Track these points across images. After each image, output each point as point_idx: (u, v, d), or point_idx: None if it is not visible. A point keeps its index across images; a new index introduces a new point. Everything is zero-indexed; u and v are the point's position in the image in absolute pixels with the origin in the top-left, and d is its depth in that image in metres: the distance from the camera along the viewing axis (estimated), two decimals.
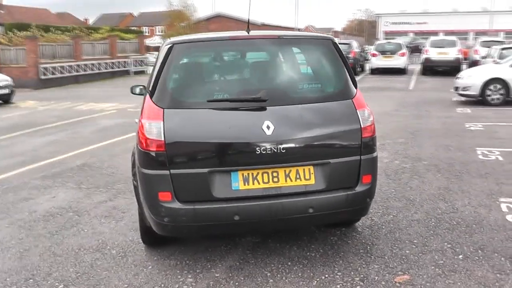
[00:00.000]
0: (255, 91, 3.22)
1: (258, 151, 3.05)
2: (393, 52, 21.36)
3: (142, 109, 3.30)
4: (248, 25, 3.56)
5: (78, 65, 21.39)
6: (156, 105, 3.18)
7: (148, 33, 39.22)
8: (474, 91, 11.26)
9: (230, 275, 3.29)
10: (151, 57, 25.27)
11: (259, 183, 3.11)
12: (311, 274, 3.29)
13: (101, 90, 18.57)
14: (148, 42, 31.73)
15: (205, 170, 3.07)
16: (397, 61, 21.26)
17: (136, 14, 71.31)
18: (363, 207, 3.39)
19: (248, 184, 3.10)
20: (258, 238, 3.85)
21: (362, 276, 3.25)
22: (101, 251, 3.75)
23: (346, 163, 3.25)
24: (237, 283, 3.18)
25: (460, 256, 3.52)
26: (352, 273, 3.30)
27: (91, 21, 58.42)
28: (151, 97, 3.24)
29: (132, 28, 37.72)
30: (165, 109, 3.14)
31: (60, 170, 6.39)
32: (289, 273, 3.30)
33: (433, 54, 19.76)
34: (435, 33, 46.75)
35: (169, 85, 3.27)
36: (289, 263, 3.44)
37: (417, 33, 51.29)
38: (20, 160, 7.12)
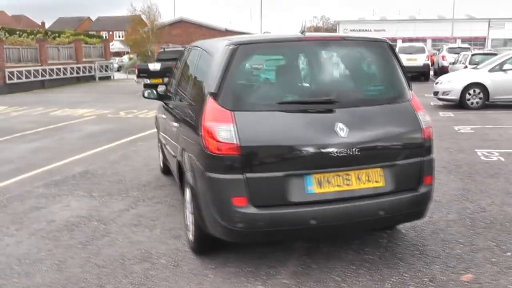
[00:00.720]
0: (324, 92, 3.16)
1: (332, 154, 2.99)
2: None
3: (203, 112, 3.15)
4: (304, 27, 3.48)
5: (44, 70, 20.56)
6: (224, 108, 3.04)
7: (107, 38, 38.22)
8: (454, 96, 11.63)
9: (299, 280, 3.19)
10: (115, 62, 24.69)
11: (333, 186, 3.04)
12: (380, 276, 3.24)
13: (71, 96, 17.97)
14: None
15: (281, 173, 2.97)
16: None
17: (94, 18, 69.58)
18: (424, 209, 3.39)
19: (322, 188, 3.03)
20: (310, 243, 3.76)
21: (429, 276, 3.24)
22: (148, 261, 3.56)
23: (411, 165, 3.24)
24: None
25: (509, 254, 3.57)
26: (419, 274, 3.28)
27: (48, 25, 56.51)
28: (215, 99, 3.10)
29: (91, 33, 36.61)
30: (234, 112, 3.01)
31: (62, 178, 6.07)
32: (358, 277, 3.24)
33: (403, 60, 20.25)
34: (393, 40, 48.27)
35: (236, 87, 3.15)
36: (353, 267, 3.38)
37: None
38: (12, 167, 6.73)
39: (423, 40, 50.00)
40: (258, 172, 2.95)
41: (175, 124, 4.10)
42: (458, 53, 19.71)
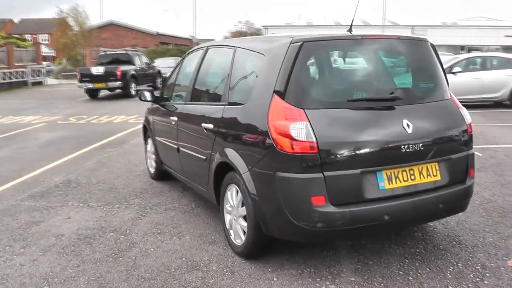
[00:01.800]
0: (389, 90, 3.20)
1: (402, 149, 3.04)
2: None
3: (269, 110, 3.06)
4: (351, 26, 3.49)
5: None
6: (293, 106, 2.98)
7: (31, 41, 36.02)
8: None
9: (365, 277, 3.20)
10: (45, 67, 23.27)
11: (400, 182, 3.09)
12: (437, 267, 3.33)
13: (9, 103, 16.82)
14: None
15: (358, 171, 2.96)
16: None
17: (16, 20, 65.10)
18: (468, 201, 3.52)
19: (392, 183, 3.06)
20: (351, 241, 3.78)
21: (480, 264, 3.37)
22: (198, 269, 3.39)
23: (461, 158, 3.37)
24: (382, 285, 3.10)
25: None
26: (469, 262, 3.40)
27: None
28: (282, 97, 3.03)
29: (14, 35, 34.27)
30: (305, 110, 2.96)
31: (45, 189, 5.64)
32: (418, 269, 3.30)
33: None
34: None
35: (303, 84, 3.09)
36: (407, 260, 3.45)
37: None
38: None
39: None
40: (336, 170, 2.92)
41: (197, 127, 3.96)
42: None
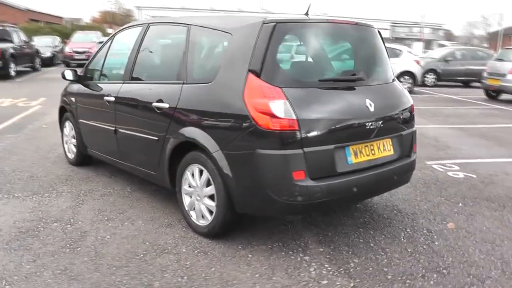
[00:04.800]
0: (352, 71, 3.40)
1: (366, 127, 3.28)
2: None
3: (245, 89, 3.08)
4: (308, 10, 3.62)
5: None
6: (270, 84, 3.04)
7: None
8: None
9: (332, 247, 3.41)
10: None
11: (364, 156, 3.33)
12: (390, 234, 3.68)
13: None
14: None
15: (332, 146, 3.12)
16: None
17: None
18: (411, 174, 3.90)
19: (357, 158, 3.29)
20: (301, 216, 3.97)
21: (425, 228, 3.78)
22: (168, 252, 3.32)
23: (408, 135, 3.73)
24: (349, 252, 3.34)
25: (460, 204, 4.37)
26: (415, 228, 3.81)
27: None
28: (258, 76, 3.07)
29: None
30: (283, 88, 3.04)
31: None
32: (375, 237, 3.61)
33: None
34: None
35: (278, 64, 3.15)
36: (361, 229, 3.76)
37: None
38: None
39: None
40: (313, 146, 3.05)
41: (145, 107, 3.87)
42: None
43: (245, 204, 3.22)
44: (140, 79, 4.25)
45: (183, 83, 3.59)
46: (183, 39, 3.79)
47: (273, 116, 2.97)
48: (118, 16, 68.22)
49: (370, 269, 3.12)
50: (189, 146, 3.53)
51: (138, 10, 57.71)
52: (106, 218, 3.95)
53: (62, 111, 5.66)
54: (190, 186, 3.62)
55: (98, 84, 4.85)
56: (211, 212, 3.45)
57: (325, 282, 2.94)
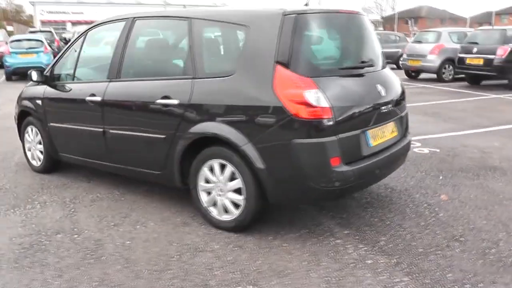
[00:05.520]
0: (365, 59, 3.55)
1: (381, 110, 3.48)
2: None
3: (274, 80, 3.10)
4: (307, 3, 3.71)
5: None
6: (300, 75, 3.10)
7: None
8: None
9: (353, 229, 3.57)
10: None
11: (379, 139, 3.53)
12: (397, 210, 3.93)
13: None
14: None
15: (358, 131, 3.27)
16: None
17: None
18: (407, 154, 4.17)
19: (375, 141, 3.47)
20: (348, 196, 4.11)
21: (425, 202, 4.09)
22: (203, 250, 3.26)
23: (405, 116, 3.99)
24: (373, 231, 3.52)
25: (441, 177, 4.76)
26: (415, 202, 4.09)
27: None
28: (286, 67, 3.11)
29: None
30: (312, 78, 3.11)
31: None
32: (386, 214, 3.84)
33: None
34: (92, 23, 47.56)
35: (304, 54, 3.20)
36: (370, 209, 3.96)
37: (74, 23, 50.74)
38: None
39: None
40: (345, 132, 3.16)
41: (147, 105, 3.76)
42: None
43: (281, 195, 3.26)
44: (131, 77, 4.06)
45: (194, 78, 3.51)
46: (183, 33, 3.69)
47: (308, 105, 3.03)
48: (7, 13, 63.00)
49: (400, 245, 3.32)
50: (205, 142, 3.47)
51: (32, 4, 53.53)
52: (112, 224, 3.76)
53: (22, 116, 5.21)
54: (207, 182, 3.56)
55: (72, 85, 4.55)
56: (236, 206, 3.44)
57: (369, 261, 3.09)
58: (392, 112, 3.68)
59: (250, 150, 3.21)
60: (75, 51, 4.56)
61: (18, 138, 5.56)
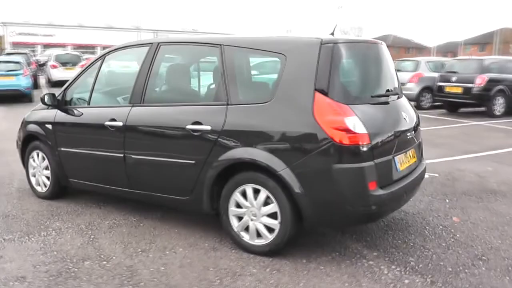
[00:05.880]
0: (390, 87, 3.74)
1: (407, 137, 3.66)
2: (74, 64, 21.04)
3: (313, 107, 3.22)
4: (334, 30, 3.89)
5: None
6: (338, 102, 3.23)
7: None
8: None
9: (381, 251, 3.68)
10: None
11: (404, 164, 3.68)
12: (417, 232, 4.08)
13: None
14: None
15: (390, 156, 3.42)
16: None
17: None
18: (424, 176, 4.35)
19: (402, 166, 3.63)
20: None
21: (440, 224, 4.25)
22: (242, 275, 3.28)
23: (421, 143, 4.18)
24: (400, 253, 3.64)
25: (447, 200, 4.97)
26: (430, 225, 4.26)
27: None
28: (325, 94, 3.24)
29: None
30: (349, 105, 3.25)
31: None
32: (407, 236, 3.97)
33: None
34: (63, 45, 47.24)
35: (341, 82, 3.34)
36: (391, 232, 4.08)
37: (45, 45, 50.16)
38: None
39: (94, 47, 50.74)
40: (380, 157, 3.30)
41: (175, 131, 3.81)
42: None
43: (318, 219, 3.34)
44: (156, 102, 4.10)
45: (227, 104, 3.58)
46: (214, 59, 3.78)
47: (349, 131, 3.16)
48: None
49: (430, 265, 3.45)
50: (237, 167, 3.53)
51: (3, 26, 52.29)
52: (139, 250, 3.73)
53: (28, 140, 5.11)
54: (238, 207, 3.61)
55: (88, 109, 4.53)
56: (269, 230, 3.49)
57: (407, 281, 3.19)
58: (413, 138, 3.86)
59: (288, 175, 3.29)
60: (93, 74, 4.54)
61: (19, 162, 5.45)
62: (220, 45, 3.75)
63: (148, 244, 3.84)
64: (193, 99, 3.94)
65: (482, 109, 12.65)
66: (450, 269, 3.39)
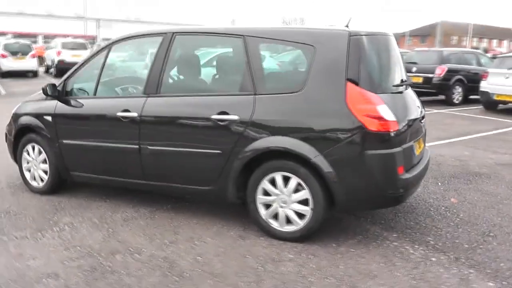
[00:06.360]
0: (404, 77, 3.95)
1: (421, 124, 3.92)
2: (24, 53, 20.05)
3: (346, 96, 3.35)
4: (349, 23, 4.03)
5: None
6: (369, 91, 3.39)
7: None
8: None
9: (398, 233, 3.92)
10: None
11: (418, 150, 3.92)
12: (423, 215, 4.34)
13: None
14: None
15: (412, 142, 3.64)
16: (29, 63, 20.23)
17: None
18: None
19: (417, 151, 3.87)
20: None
21: (442, 206, 4.55)
22: (279, 261, 3.38)
23: (425, 130, 4.42)
24: (417, 233, 3.88)
25: (439, 183, 5.30)
26: (434, 206, 4.54)
27: None
28: (356, 84, 3.38)
29: None
30: (377, 94, 3.43)
31: None
32: (427, 220, 4.22)
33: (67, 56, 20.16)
34: (3, 33, 44.66)
35: (369, 72, 3.49)
36: (410, 215, 4.33)
37: None
38: None
39: (35, 35, 48.23)
40: (405, 143, 3.52)
41: (198, 121, 3.82)
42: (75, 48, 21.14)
43: (349, 203, 3.50)
44: (175, 93, 4.07)
45: (255, 94, 3.64)
46: (238, 50, 3.82)
47: (381, 119, 3.32)
48: None
49: (447, 243, 3.71)
50: (267, 156, 3.61)
51: None
52: (167, 241, 3.72)
53: (21, 133, 4.90)
54: (265, 195, 3.69)
55: (94, 100, 4.43)
56: (299, 216, 3.61)
57: (434, 259, 3.43)
58: (422, 126, 4.10)
59: (321, 162, 3.41)
60: (99, 65, 4.42)
61: (11, 157, 5.21)
62: (243, 35, 3.78)
63: (173, 235, 3.84)
64: (216, 89, 3.96)
65: (441, 97, 13.38)
66: (466, 245, 3.66)
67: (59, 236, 3.85)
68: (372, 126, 3.31)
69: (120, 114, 4.13)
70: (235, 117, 3.66)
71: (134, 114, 4.07)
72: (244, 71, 3.75)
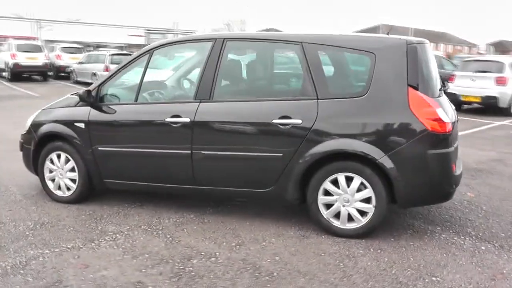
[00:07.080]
0: (441, 82, 4.28)
1: (457, 126, 4.23)
2: None
3: (409, 100, 3.62)
4: (390, 30, 4.33)
5: None
6: (428, 96, 3.70)
7: None
8: None
9: (435, 224, 4.26)
10: None
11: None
12: (455, 209, 4.72)
13: None
14: None
15: (457, 142, 3.99)
16: None
17: None
18: None
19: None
20: None
21: (465, 200, 4.97)
22: (352, 256, 3.58)
23: None
24: (480, 221, 4.24)
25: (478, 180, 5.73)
26: (458, 200, 4.95)
27: None
28: (416, 89, 3.67)
29: None
30: (434, 98, 3.74)
31: None
32: (457, 214, 4.60)
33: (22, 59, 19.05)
34: None
35: (425, 78, 3.78)
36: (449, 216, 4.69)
37: None
38: None
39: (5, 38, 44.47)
40: (455, 143, 3.85)
41: (258, 126, 3.95)
42: (73, 52, 20.19)
43: (409, 199, 3.78)
44: (230, 98, 4.15)
45: (318, 99, 3.82)
46: (296, 56, 3.97)
47: (440, 121, 3.64)
48: None
49: (486, 233, 4.09)
50: (329, 158, 3.80)
51: None
52: (234, 244, 3.78)
53: (45, 141, 4.71)
54: (326, 195, 3.88)
55: (136, 106, 4.39)
56: (361, 214, 3.83)
57: (483, 248, 3.77)
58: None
59: (387, 162, 3.66)
60: (140, 70, 4.37)
61: (26, 167, 4.98)
62: (301, 42, 3.94)
63: (236, 238, 3.90)
64: (273, 94, 4.07)
65: None
66: (502, 234, 4.06)
67: (116, 245, 3.78)
68: (433, 127, 3.61)
69: (169, 119, 4.13)
70: (298, 121, 3.81)
71: (186, 120, 4.08)
72: (304, 76, 3.91)
